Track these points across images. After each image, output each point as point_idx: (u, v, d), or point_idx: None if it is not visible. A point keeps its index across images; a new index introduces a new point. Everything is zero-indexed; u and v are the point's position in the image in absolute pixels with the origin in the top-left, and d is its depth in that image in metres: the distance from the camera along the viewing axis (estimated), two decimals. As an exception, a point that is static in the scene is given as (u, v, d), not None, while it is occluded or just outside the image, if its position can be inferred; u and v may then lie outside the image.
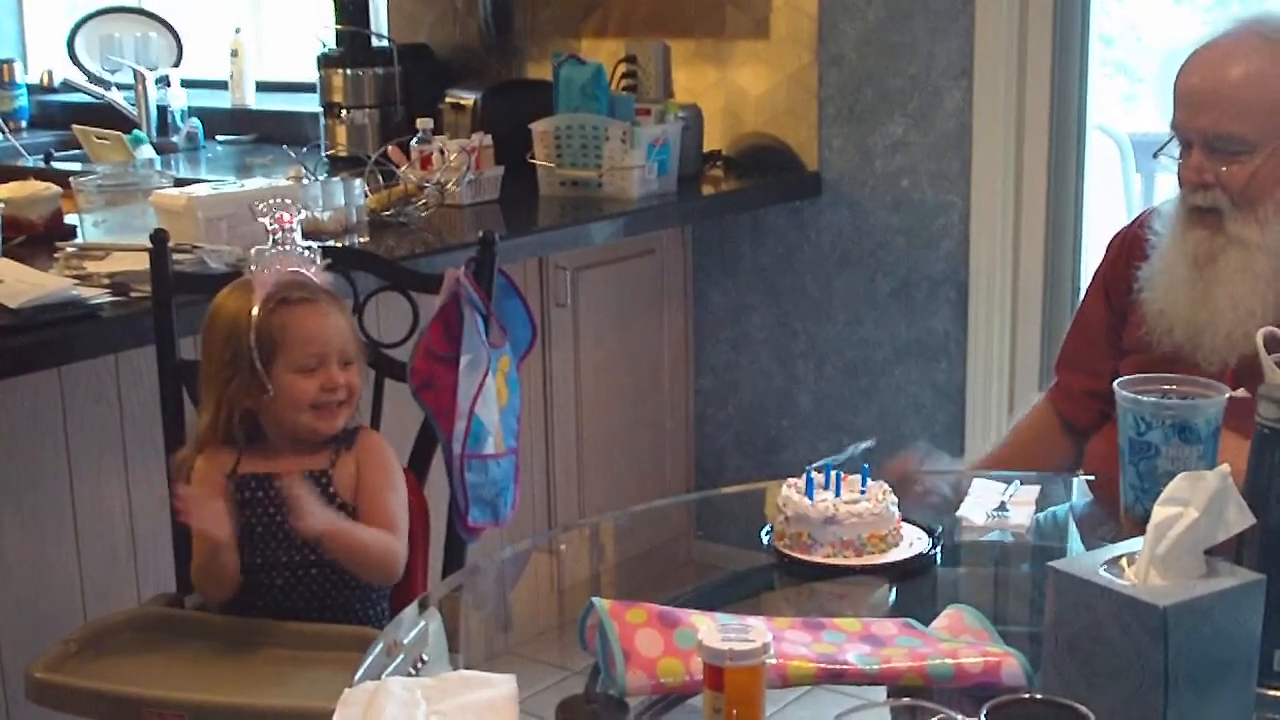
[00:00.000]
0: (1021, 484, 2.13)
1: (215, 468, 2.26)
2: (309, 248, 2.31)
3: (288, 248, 2.27)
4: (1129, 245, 2.38)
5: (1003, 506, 2.08)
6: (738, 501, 2.52)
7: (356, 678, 1.61)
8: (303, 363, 2.23)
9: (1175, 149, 2.22)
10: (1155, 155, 2.28)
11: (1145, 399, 1.83)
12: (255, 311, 2.21)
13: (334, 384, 2.25)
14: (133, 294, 2.61)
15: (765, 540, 1.98)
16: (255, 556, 2.24)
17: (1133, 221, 2.45)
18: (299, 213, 2.32)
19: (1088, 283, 2.53)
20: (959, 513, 2.09)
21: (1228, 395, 1.82)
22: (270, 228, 2.29)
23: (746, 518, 2.32)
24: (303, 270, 2.27)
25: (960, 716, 1.25)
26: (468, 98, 4.09)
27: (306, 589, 2.25)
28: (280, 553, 2.24)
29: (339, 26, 4.37)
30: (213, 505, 2.16)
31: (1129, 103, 3.84)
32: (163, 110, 4.95)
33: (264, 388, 2.22)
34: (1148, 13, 3.85)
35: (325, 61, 4.35)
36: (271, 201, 2.30)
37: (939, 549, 1.96)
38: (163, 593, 2.47)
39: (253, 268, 2.26)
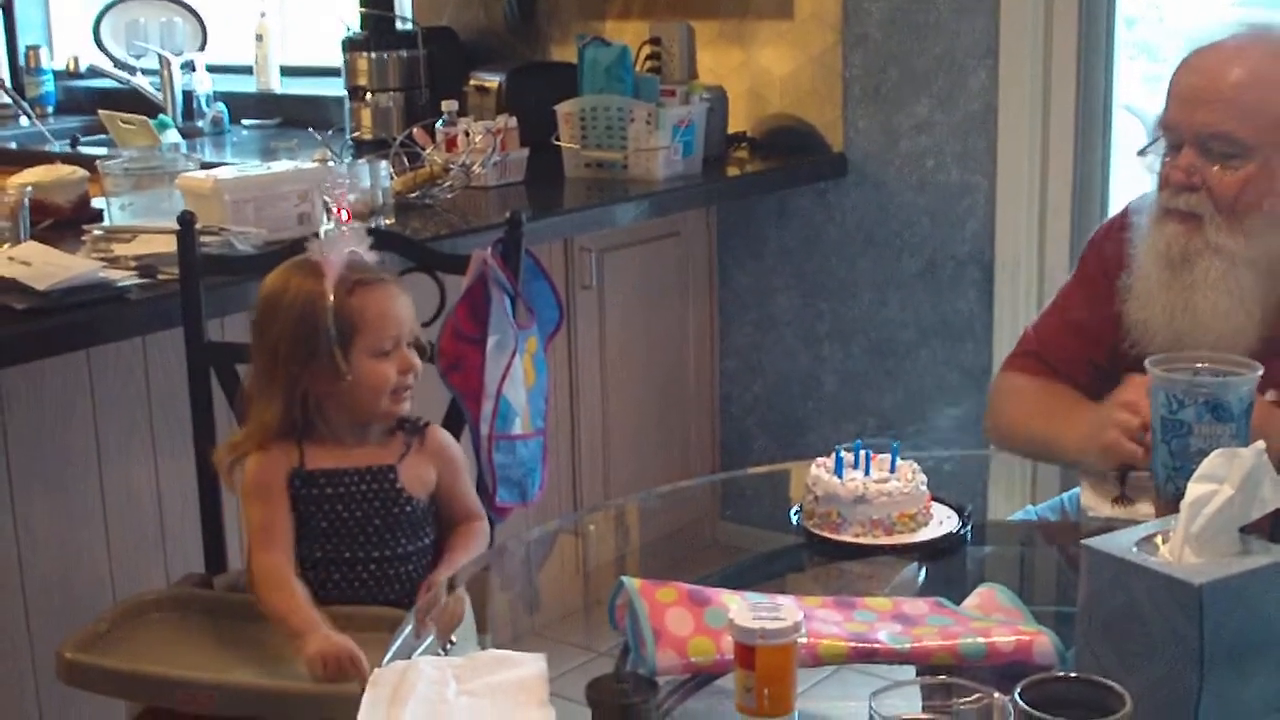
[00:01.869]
0: (1131, 473, 2.04)
1: (277, 466, 2.19)
2: (357, 227, 2.26)
3: (348, 228, 2.22)
4: (1113, 249, 2.28)
5: (1126, 496, 2.02)
6: (763, 482, 2.52)
7: (386, 658, 1.62)
8: (380, 346, 2.18)
9: (1161, 148, 2.14)
10: (1140, 153, 2.19)
11: (1177, 376, 1.82)
12: (330, 293, 2.15)
13: (409, 366, 2.21)
14: (160, 276, 2.62)
15: (794, 520, 1.97)
16: (316, 551, 2.21)
17: (1113, 220, 2.35)
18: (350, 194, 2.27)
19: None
20: (1082, 504, 2.06)
21: (1260, 372, 1.81)
22: (332, 209, 2.24)
23: (772, 499, 2.32)
24: (359, 251, 2.22)
25: (996, 694, 1.24)
26: (492, 80, 4.08)
27: (363, 584, 2.22)
28: (344, 548, 2.21)
29: (363, 10, 4.37)
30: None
31: (1151, 84, 3.82)
32: (188, 95, 4.95)
33: (340, 373, 2.16)
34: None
35: (350, 45, 4.35)
36: (330, 181, 2.25)
37: (969, 528, 1.95)
38: (192, 573, 2.48)
39: (321, 249, 2.19)
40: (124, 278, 2.59)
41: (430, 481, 2.27)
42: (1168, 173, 2.13)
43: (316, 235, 2.22)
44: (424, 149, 3.54)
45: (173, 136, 4.40)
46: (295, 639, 2.06)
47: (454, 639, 1.77)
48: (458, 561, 2.22)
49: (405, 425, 2.27)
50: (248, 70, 5.14)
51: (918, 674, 1.55)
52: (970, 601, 1.69)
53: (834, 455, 1.96)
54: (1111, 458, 2.02)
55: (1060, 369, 2.31)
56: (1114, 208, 3.62)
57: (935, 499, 1.98)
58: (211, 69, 5.06)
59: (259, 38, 5.08)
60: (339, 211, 2.24)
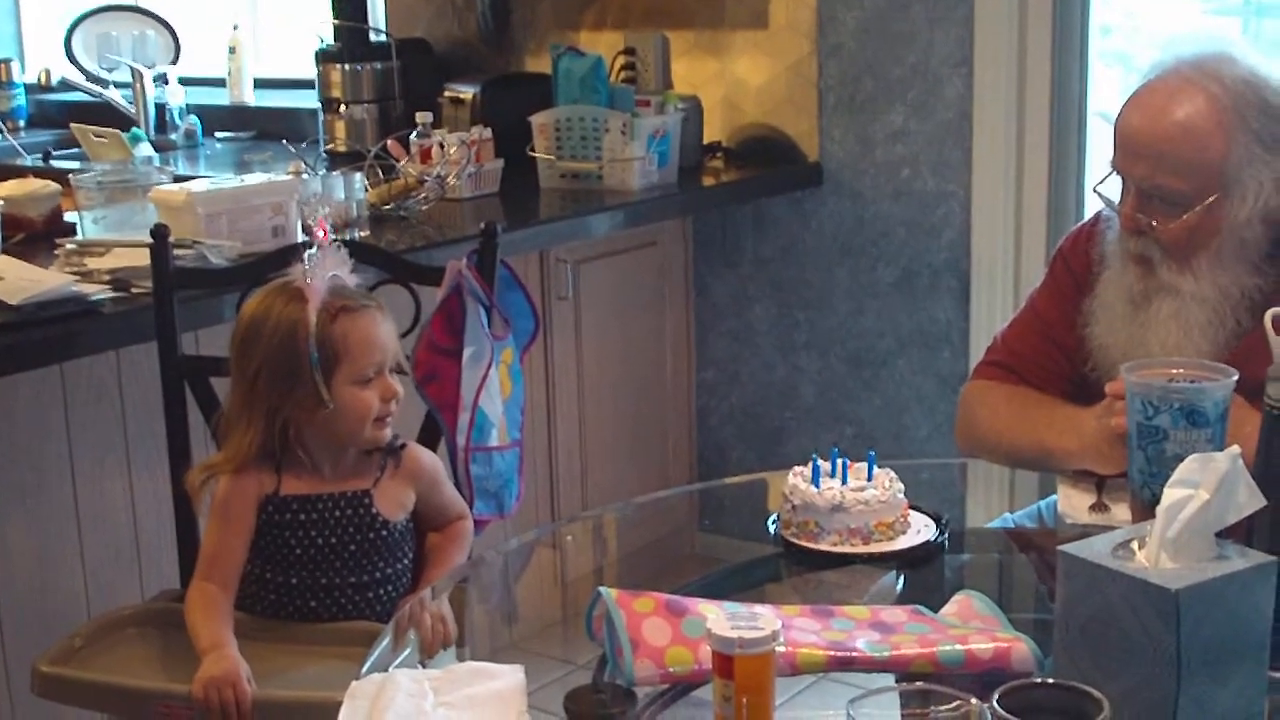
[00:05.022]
0: (1108, 479, 2.06)
1: (248, 491, 2.18)
2: (339, 247, 2.22)
3: (331, 251, 2.17)
4: (1082, 258, 2.30)
5: (1102, 503, 2.03)
6: (741, 492, 2.52)
7: (364, 670, 1.61)
8: (363, 374, 2.16)
9: (1117, 182, 2.17)
10: (1095, 189, 2.22)
11: (1153, 383, 1.82)
12: (313, 320, 2.12)
13: (392, 393, 2.19)
14: (134, 290, 2.61)
15: (772, 529, 1.97)
16: (292, 577, 2.20)
17: (1081, 228, 2.37)
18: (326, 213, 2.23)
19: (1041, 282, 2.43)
20: (1060, 510, 2.07)
21: (1235, 378, 1.82)
22: (314, 231, 2.20)
23: (750, 509, 2.32)
24: (341, 274, 2.19)
25: (975, 700, 1.24)
26: (467, 91, 4.08)
27: (341, 609, 2.21)
28: (320, 574, 2.20)
29: (336, 22, 4.36)
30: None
31: (1126, 92, 3.85)
32: (161, 108, 4.94)
33: (322, 401, 2.13)
34: (1145, 1, 3.84)
35: (323, 57, 4.35)
36: (311, 204, 2.21)
37: (947, 536, 1.95)
38: (167, 589, 2.47)
39: (304, 274, 2.15)
40: (97, 291, 2.57)
41: (408, 503, 2.27)
42: (1120, 216, 2.16)
43: (300, 259, 2.18)
44: (398, 161, 3.54)
45: (146, 150, 4.38)
46: (201, 658, 2.07)
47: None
48: (436, 581, 2.21)
49: (382, 447, 2.25)
50: (221, 83, 5.13)
51: (896, 682, 1.55)
52: (948, 609, 1.70)
53: (811, 464, 1.96)
54: (1112, 463, 2.02)
55: (1030, 376, 2.32)
56: (1089, 215, 3.63)
57: (912, 507, 1.98)
58: (184, 82, 5.05)
59: (232, 50, 5.07)
60: (321, 232, 2.20)
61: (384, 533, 2.22)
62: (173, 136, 4.88)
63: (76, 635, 2.22)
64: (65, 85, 5.39)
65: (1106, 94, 3.67)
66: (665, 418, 4.14)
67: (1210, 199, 2.07)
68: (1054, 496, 2.17)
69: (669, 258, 4.09)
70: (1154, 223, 2.10)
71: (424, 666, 1.69)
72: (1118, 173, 2.16)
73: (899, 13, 3.77)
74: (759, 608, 1.60)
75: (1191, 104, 2.07)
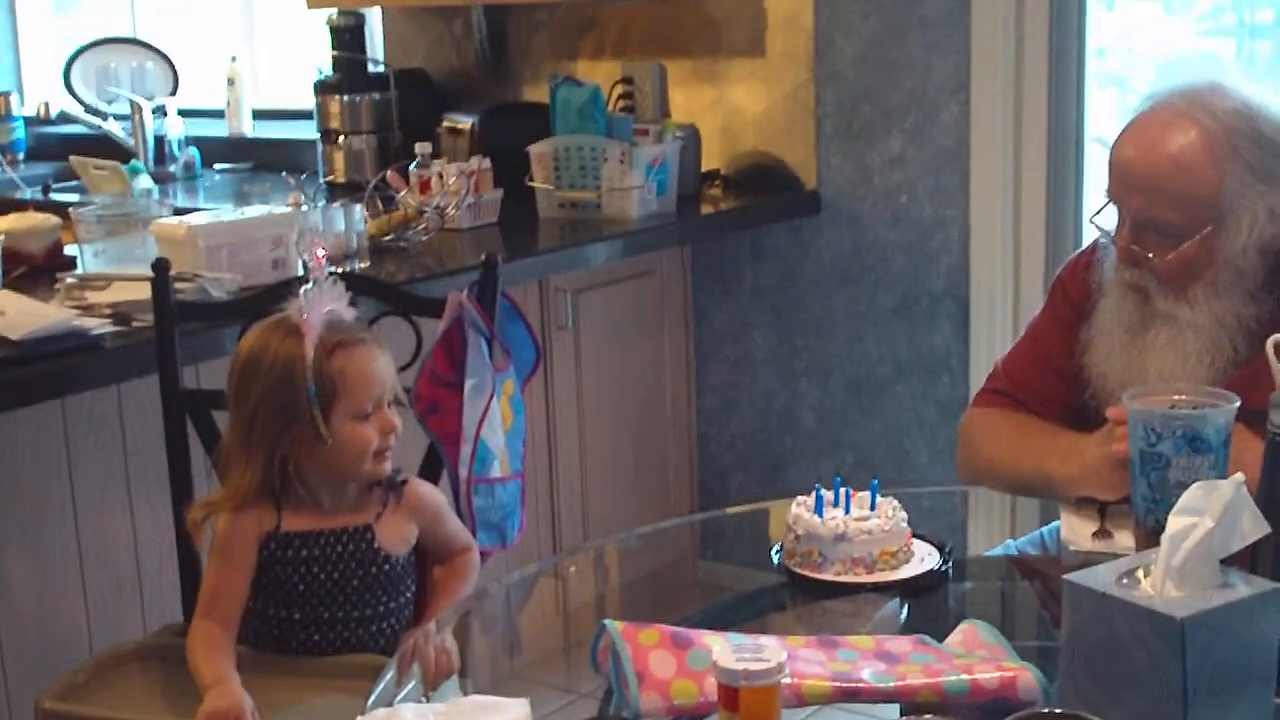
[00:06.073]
0: (1110, 506, 2.05)
1: (248, 529, 2.17)
2: (335, 280, 2.21)
3: (328, 285, 2.17)
4: (1080, 286, 2.30)
5: (1105, 530, 2.02)
6: (743, 522, 2.52)
7: (369, 705, 1.61)
8: (361, 409, 2.14)
9: (1113, 211, 2.17)
10: (1091, 219, 2.23)
11: (1155, 409, 1.82)
12: (310, 356, 2.11)
13: (390, 427, 2.18)
14: (134, 324, 2.61)
15: (776, 559, 1.97)
16: (295, 613, 2.19)
17: (1080, 256, 2.37)
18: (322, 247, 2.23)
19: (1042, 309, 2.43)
20: (1063, 537, 2.07)
21: (1237, 404, 1.82)
22: (310, 266, 2.20)
23: (752, 538, 2.32)
24: (338, 308, 2.18)
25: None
26: (465, 121, 4.09)
27: (345, 643, 2.20)
28: (323, 609, 2.19)
29: (335, 53, 4.37)
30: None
31: (1123, 115, 3.85)
32: (160, 140, 4.95)
33: (321, 437, 2.13)
34: (1139, 24, 3.85)
35: (322, 88, 4.36)
36: (306, 237, 2.20)
37: (950, 564, 1.95)
38: (171, 623, 2.46)
39: (300, 309, 2.14)
40: (98, 325, 2.58)
41: (410, 538, 2.26)
42: (1116, 247, 2.17)
43: (295, 294, 2.17)
44: (398, 192, 3.54)
45: (145, 182, 4.39)
46: (204, 693, 2.06)
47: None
48: (441, 614, 2.21)
49: (383, 481, 2.24)
50: (219, 114, 5.14)
51: (902, 712, 1.55)
52: (953, 638, 1.69)
53: (814, 494, 1.96)
54: (1114, 489, 2.02)
55: (1031, 404, 2.32)
56: (1087, 240, 3.63)
57: (916, 535, 1.98)
58: (183, 113, 5.06)
59: (230, 81, 5.09)
60: (318, 266, 2.20)
61: (386, 567, 2.21)
62: (172, 168, 4.89)
63: (79, 670, 2.22)
64: (64, 118, 5.40)
65: (1102, 117, 3.68)
66: (665, 446, 4.14)
67: (1205, 231, 2.08)
68: (1056, 523, 2.17)
69: (668, 286, 4.10)
70: (1149, 254, 2.11)
71: (428, 699, 1.69)
72: (1113, 203, 2.17)
73: (896, 40, 3.78)
74: (764, 639, 1.60)
75: (1184, 136, 2.08)
